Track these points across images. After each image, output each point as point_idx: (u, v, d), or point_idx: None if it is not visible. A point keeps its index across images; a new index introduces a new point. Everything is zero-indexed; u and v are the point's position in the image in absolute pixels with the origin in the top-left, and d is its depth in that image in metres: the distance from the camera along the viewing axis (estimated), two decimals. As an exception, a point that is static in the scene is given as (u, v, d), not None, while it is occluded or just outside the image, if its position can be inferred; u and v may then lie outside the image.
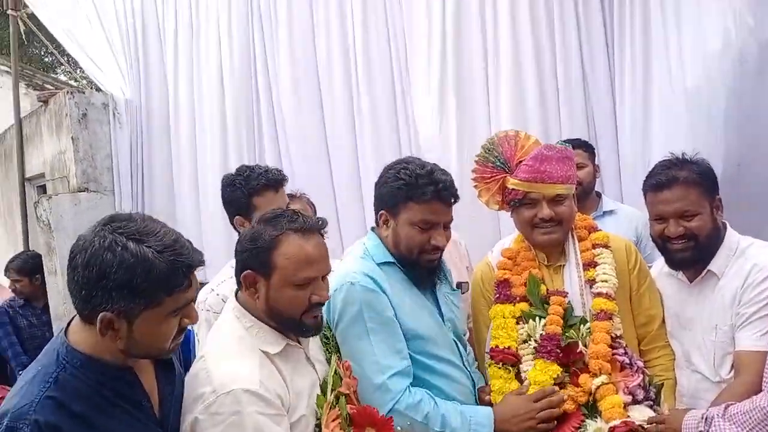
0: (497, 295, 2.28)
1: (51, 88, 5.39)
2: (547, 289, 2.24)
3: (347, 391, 1.91)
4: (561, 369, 2.07)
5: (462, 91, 3.97)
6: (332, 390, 1.86)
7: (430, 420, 1.99)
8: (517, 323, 2.21)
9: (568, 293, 2.21)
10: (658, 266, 2.39)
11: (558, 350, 2.09)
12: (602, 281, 2.19)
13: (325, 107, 4.35)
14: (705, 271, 2.14)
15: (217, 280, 2.60)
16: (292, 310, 1.78)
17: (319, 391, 1.85)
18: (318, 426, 1.80)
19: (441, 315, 2.22)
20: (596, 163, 3.45)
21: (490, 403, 2.13)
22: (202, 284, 3.94)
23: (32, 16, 5.74)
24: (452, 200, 2.12)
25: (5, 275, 4.96)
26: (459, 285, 2.49)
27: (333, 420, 1.80)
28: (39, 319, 4.86)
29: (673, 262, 2.19)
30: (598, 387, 2.00)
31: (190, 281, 1.48)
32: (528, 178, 2.19)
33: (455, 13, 3.99)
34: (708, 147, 3.27)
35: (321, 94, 4.35)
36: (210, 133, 4.64)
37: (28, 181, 6.19)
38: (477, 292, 2.41)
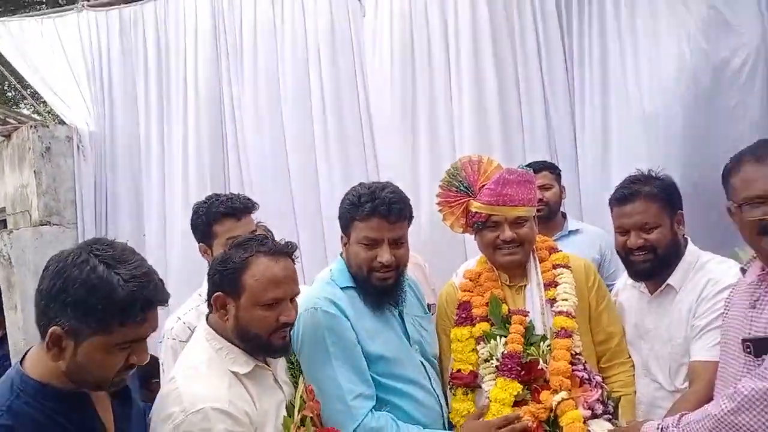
0: (457, 318, 2.32)
1: (14, 122, 5.29)
2: (509, 309, 2.27)
3: (311, 414, 1.94)
4: (522, 386, 2.09)
5: (426, 118, 4.04)
6: (299, 411, 1.89)
7: None
8: (479, 343, 2.23)
9: (529, 312, 2.24)
10: (623, 279, 2.48)
11: (519, 368, 2.10)
12: (563, 300, 2.23)
13: (287, 137, 4.39)
14: (664, 284, 2.22)
15: (184, 309, 2.59)
16: (260, 331, 1.82)
17: (285, 412, 1.88)
18: None
19: (408, 337, 2.23)
20: (561, 184, 3.51)
21: None
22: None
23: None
24: (395, 217, 2.11)
25: None
26: (429, 306, 2.51)
27: None
28: None
29: (634, 273, 2.28)
30: (559, 403, 2.03)
31: (146, 317, 1.47)
32: (490, 202, 2.24)
33: (418, 40, 4.08)
34: (665, 168, 3.34)
35: (284, 125, 4.40)
36: (178, 164, 4.64)
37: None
38: (441, 312, 2.44)
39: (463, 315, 2.31)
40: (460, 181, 2.32)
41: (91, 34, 4.94)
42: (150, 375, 3.87)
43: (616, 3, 3.77)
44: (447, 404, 2.26)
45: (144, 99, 4.82)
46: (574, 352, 2.14)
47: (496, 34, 3.99)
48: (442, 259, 3.39)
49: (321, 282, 2.25)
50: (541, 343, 2.17)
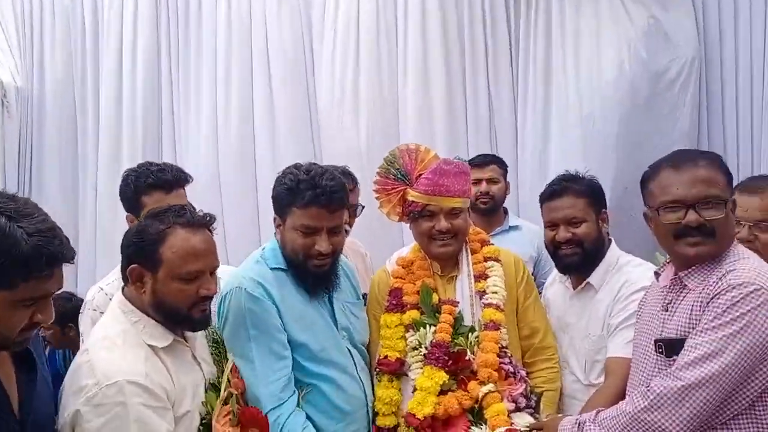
0: (387, 304, 2.32)
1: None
2: (439, 299, 2.29)
3: (236, 392, 1.93)
4: (448, 376, 2.11)
5: (370, 103, 4.03)
6: (224, 389, 1.88)
7: None
8: (408, 331, 2.24)
9: (459, 303, 2.27)
10: (553, 274, 2.59)
11: (446, 357, 2.13)
12: (492, 293, 2.27)
13: (227, 106, 4.27)
14: (585, 282, 2.31)
15: (107, 280, 2.51)
16: (179, 304, 1.78)
17: (203, 390, 1.86)
18: (203, 423, 1.81)
19: (336, 323, 2.22)
20: (507, 180, 3.56)
21: None
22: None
23: None
24: (336, 206, 2.09)
25: None
26: (365, 296, 2.50)
27: (224, 416, 1.84)
28: None
29: (562, 267, 2.37)
30: (486, 394, 2.06)
31: (52, 273, 1.42)
32: (427, 191, 2.25)
33: (366, 26, 4.05)
34: (600, 170, 3.44)
35: (224, 92, 4.29)
36: (111, 127, 4.45)
37: None
38: (373, 298, 2.44)
39: (394, 302, 2.31)
40: (398, 169, 2.32)
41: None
42: (68, 319, 3.70)
43: (562, 7, 3.86)
44: (373, 392, 2.26)
45: (80, 55, 4.58)
46: (501, 345, 2.18)
47: (446, 25, 4.02)
48: (381, 247, 3.38)
49: (251, 261, 2.21)
50: (470, 334, 2.20)
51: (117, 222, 3.92)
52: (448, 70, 3.99)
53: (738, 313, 1.64)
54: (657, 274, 1.99)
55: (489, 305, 2.24)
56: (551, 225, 2.34)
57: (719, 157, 1.89)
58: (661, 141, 3.59)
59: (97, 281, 2.61)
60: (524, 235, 3.42)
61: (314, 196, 2.03)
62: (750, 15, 3.72)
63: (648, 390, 1.72)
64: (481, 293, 2.27)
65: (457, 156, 2.42)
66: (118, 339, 1.74)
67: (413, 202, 2.27)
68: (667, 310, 1.86)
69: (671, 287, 1.87)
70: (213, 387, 1.89)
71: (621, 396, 1.97)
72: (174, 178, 2.48)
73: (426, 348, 2.18)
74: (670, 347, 1.77)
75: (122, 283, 1.90)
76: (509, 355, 2.20)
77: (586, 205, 2.30)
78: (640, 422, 1.71)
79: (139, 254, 1.78)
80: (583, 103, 3.78)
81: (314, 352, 2.11)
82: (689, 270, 1.81)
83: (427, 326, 2.22)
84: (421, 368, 2.17)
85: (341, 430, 2.12)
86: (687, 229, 1.76)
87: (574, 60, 3.80)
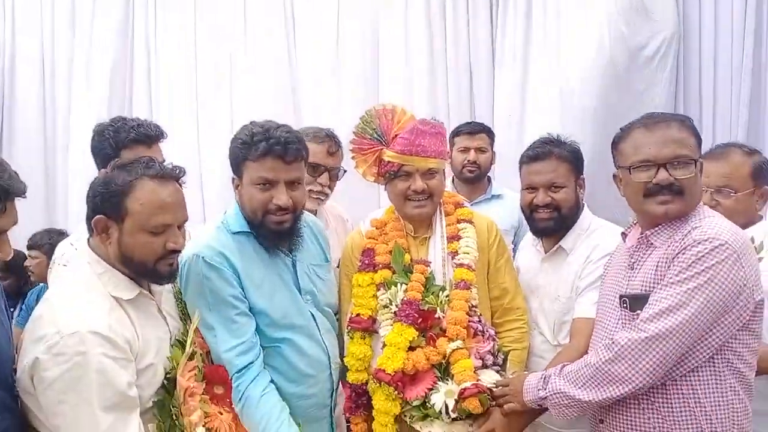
0: (360, 264, 2.33)
1: None
2: (412, 259, 2.30)
3: (201, 351, 1.93)
4: (417, 333, 2.13)
5: (352, 65, 4.03)
6: (191, 344, 1.87)
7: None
8: (379, 289, 2.25)
9: (431, 263, 2.28)
10: (526, 238, 2.62)
11: (417, 315, 2.14)
12: (464, 253, 2.28)
13: (203, 67, 4.23)
14: (557, 246, 2.33)
15: (77, 235, 2.46)
16: (145, 257, 1.75)
17: (168, 345, 1.85)
18: (168, 377, 1.79)
19: (298, 287, 2.19)
20: (493, 150, 3.56)
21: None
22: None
23: None
24: (291, 157, 2.02)
25: None
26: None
27: (190, 371, 1.83)
28: None
29: (537, 230, 2.39)
30: (453, 351, 2.08)
31: (5, 208, 1.41)
32: (403, 151, 2.24)
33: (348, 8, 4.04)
34: (577, 142, 3.50)
35: (196, 52, 4.24)
36: (83, 85, 4.38)
37: None
38: (347, 258, 2.44)
39: (366, 261, 2.32)
40: (374, 129, 2.31)
41: None
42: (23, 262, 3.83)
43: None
44: (342, 352, 2.28)
45: (50, 14, 4.48)
46: (471, 304, 2.20)
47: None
48: (356, 207, 3.38)
49: (212, 227, 2.17)
50: (441, 293, 2.21)
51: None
52: (430, 41, 3.98)
53: (702, 268, 1.67)
54: (624, 235, 2.02)
55: (460, 265, 2.25)
56: (530, 188, 2.34)
57: (690, 119, 1.92)
58: (637, 116, 3.60)
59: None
60: (506, 203, 3.43)
61: (269, 147, 1.98)
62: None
63: (612, 342, 1.76)
64: (453, 254, 2.29)
65: (433, 118, 2.39)
66: (82, 289, 1.71)
67: (389, 162, 2.27)
68: (632, 269, 1.89)
69: (638, 246, 1.90)
70: (179, 343, 1.88)
71: (584, 354, 1.99)
72: (154, 133, 2.44)
73: (397, 306, 2.20)
74: (634, 302, 1.81)
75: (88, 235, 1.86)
76: (479, 314, 2.22)
77: (568, 170, 2.30)
78: (604, 373, 1.75)
79: (105, 205, 1.74)
80: (562, 77, 3.80)
81: (275, 318, 2.09)
82: (656, 228, 1.85)
83: (399, 285, 2.23)
84: (391, 325, 2.18)
85: (303, 393, 2.12)
86: (657, 187, 1.79)
87: (555, 30, 3.82)
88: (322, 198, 2.79)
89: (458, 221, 2.38)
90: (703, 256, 1.68)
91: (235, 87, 4.19)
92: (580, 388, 1.79)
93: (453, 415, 2.00)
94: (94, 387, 1.58)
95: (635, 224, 1.99)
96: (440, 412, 2.01)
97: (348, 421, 2.34)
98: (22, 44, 4.51)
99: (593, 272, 2.21)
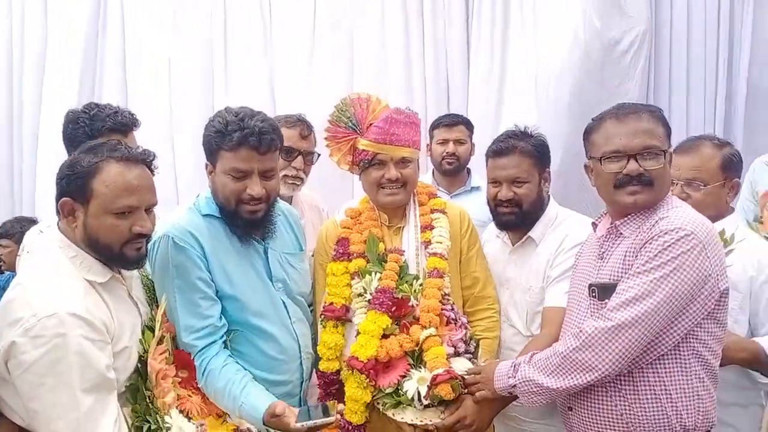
0: (335, 253, 2.33)
1: None
2: (386, 248, 2.31)
3: (168, 334, 1.94)
4: (391, 321, 2.14)
5: (328, 52, 4.02)
6: (159, 328, 1.88)
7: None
8: (353, 278, 2.26)
9: (404, 252, 2.29)
10: (489, 230, 2.59)
11: (390, 303, 2.15)
12: (437, 242, 2.29)
13: (173, 56, 4.19)
14: (525, 237, 2.35)
15: (46, 223, 2.42)
16: (111, 240, 1.74)
17: (140, 329, 1.84)
18: (141, 360, 1.80)
19: (270, 274, 2.18)
20: (473, 141, 3.57)
21: None
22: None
23: None
24: (265, 148, 2.00)
25: None
26: None
27: (160, 353, 1.84)
28: None
29: (500, 224, 2.39)
30: (426, 338, 2.10)
31: None
32: (378, 140, 2.25)
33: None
34: (552, 136, 3.48)
35: (170, 39, 4.20)
36: (54, 71, 4.31)
37: None
38: (321, 247, 2.44)
39: (341, 251, 2.32)
40: (349, 118, 2.31)
41: None
42: None
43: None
44: (315, 341, 2.28)
45: (19, 9, 4.40)
46: (444, 293, 2.22)
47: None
48: (330, 197, 3.38)
49: (184, 209, 2.16)
50: (414, 281, 2.23)
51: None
52: (405, 28, 3.98)
53: (668, 257, 1.71)
54: (594, 225, 2.05)
55: (434, 254, 2.27)
56: (494, 182, 2.34)
57: (660, 109, 1.94)
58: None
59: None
60: (485, 195, 3.43)
61: (243, 137, 1.96)
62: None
63: (580, 331, 1.79)
64: (427, 243, 2.30)
65: (408, 107, 2.40)
66: (54, 272, 1.70)
67: (363, 150, 2.27)
68: (602, 258, 1.92)
69: (607, 236, 1.93)
70: (148, 328, 1.88)
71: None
72: (130, 121, 2.39)
73: (371, 294, 2.20)
74: (603, 291, 1.83)
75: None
76: (451, 302, 2.24)
77: (531, 165, 2.29)
78: (571, 361, 1.78)
79: (71, 187, 1.72)
80: (537, 70, 3.83)
81: (243, 303, 2.09)
82: (625, 219, 1.88)
83: (373, 274, 2.24)
84: (365, 314, 2.18)
85: (273, 379, 2.11)
86: (627, 178, 1.82)
87: (531, 28, 3.85)
88: (297, 183, 2.78)
89: (432, 211, 2.39)
90: (669, 246, 1.71)
91: (210, 72, 4.15)
92: (548, 375, 1.82)
93: (425, 402, 2.02)
94: (75, 369, 1.57)
95: (605, 214, 2.02)
96: (412, 399, 2.02)
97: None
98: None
99: (564, 262, 2.23)
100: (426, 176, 3.51)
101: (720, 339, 1.82)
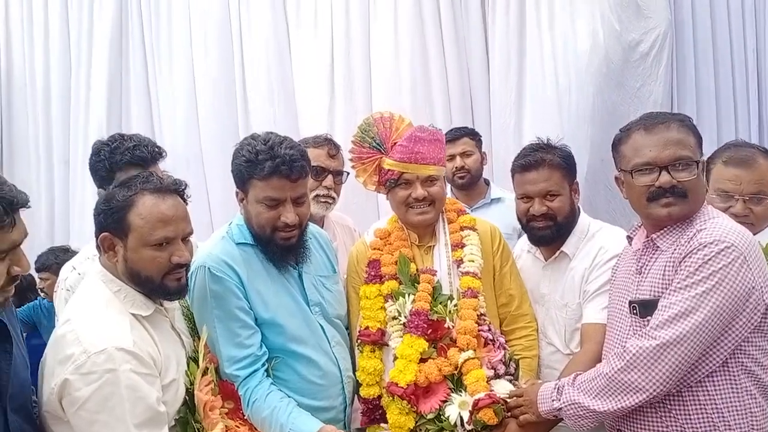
0: (366, 275, 2.32)
1: None
2: (417, 268, 2.29)
3: (212, 365, 1.96)
4: (428, 344, 2.12)
5: (345, 74, 4.01)
6: (203, 359, 1.90)
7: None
8: (387, 301, 2.24)
9: (437, 272, 2.27)
10: (520, 245, 2.55)
11: (426, 326, 2.13)
12: (469, 261, 2.26)
13: (198, 80, 4.20)
14: (558, 251, 2.31)
15: (80, 258, 2.45)
16: (151, 272, 1.76)
17: (184, 360, 1.87)
18: (188, 393, 1.82)
19: (306, 299, 2.19)
20: (483, 150, 3.53)
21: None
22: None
23: None
24: (297, 175, 2.02)
25: None
26: None
27: (206, 385, 1.86)
28: None
29: (535, 240, 2.35)
30: (465, 361, 2.07)
31: (14, 221, 1.41)
32: (403, 159, 2.24)
33: (346, 4, 4.02)
34: (575, 142, 3.46)
35: (194, 65, 4.21)
36: (81, 105, 4.35)
37: None
38: (352, 270, 2.43)
39: (373, 273, 2.31)
40: (372, 138, 2.31)
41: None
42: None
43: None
44: (353, 364, 2.26)
45: (43, 30, 4.45)
46: (479, 313, 2.19)
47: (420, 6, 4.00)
48: (355, 217, 3.37)
49: (217, 238, 2.17)
50: (448, 302, 2.20)
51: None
52: (422, 42, 3.96)
53: (709, 272, 1.67)
54: (630, 238, 2.01)
55: (466, 273, 2.24)
56: (525, 197, 2.30)
57: (689, 118, 1.90)
58: (635, 113, 3.59)
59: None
60: (507, 207, 3.34)
61: (274, 167, 1.98)
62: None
63: (624, 350, 1.75)
64: (459, 262, 2.27)
65: (431, 124, 2.39)
66: (101, 307, 1.73)
67: (389, 170, 2.27)
68: (640, 273, 1.88)
69: (644, 250, 1.89)
70: (192, 360, 1.90)
71: (597, 361, 1.99)
72: (150, 155, 2.41)
73: (405, 317, 2.18)
74: (644, 308, 1.80)
75: (95, 262, 1.88)
76: (488, 322, 2.21)
77: (561, 177, 2.25)
78: (617, 383, 1.74)
79: (109, 222, 1.76)
80: (558, 75, 3.79)
81: (282, 329, 2.10)
82: (661, 231, 1.84)
83: (406, 296, 2.21)
84: (401, 337, 2.16)
85: (316, 406, 2.11)
86: (660, 190, 1.78)
87: (549, 31, 3.80)
88: (329, 202, 2.79)
89: (461, 228, 2.37)
90: (709, 259, 1.67)
91: (234, 95, 4.16)
92: (594, 398, 1.78)
93: (468, 427, 1.99)
94: (126, 404, 1.59)
95: (640, 227, 1.98)
96: (455, 424, 1.99)
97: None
98: (18, 60, 4.51)
99: (600, 276, 2.19)
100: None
101: (769, 352, 1.77)
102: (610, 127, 3.60)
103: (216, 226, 3.83)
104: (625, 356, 1.74)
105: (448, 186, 3.59)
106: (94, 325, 1.66)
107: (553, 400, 1.88)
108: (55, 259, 3.80)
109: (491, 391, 2.03)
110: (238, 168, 2.07)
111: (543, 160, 2.25)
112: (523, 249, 2.52)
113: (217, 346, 2.02)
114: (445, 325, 2.15)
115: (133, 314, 1.74)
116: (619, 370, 1.74)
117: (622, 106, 3.71)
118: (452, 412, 2.00)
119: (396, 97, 3.92)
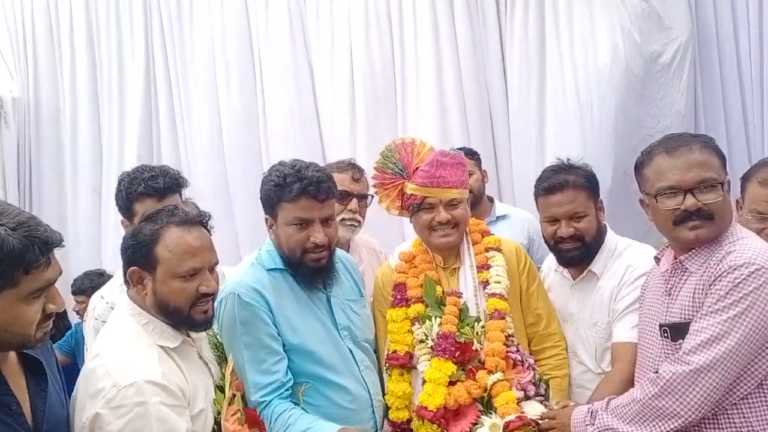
0: (392, 299, 2.33)
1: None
2: (443, 291, 2.29)
3: (239, 392, 1.97)
4: (456, 367, 2.12)
5: (368, 100, 4.05)
6: (229, 388, 1.91)
7: None
8: (414, 324, 2.25)
9: (463, 294, 2.27)
10: (547, 264, 2.55)
11: (454, 348, 2.13)
12: (495, 282, 2.26)
13: (222, 109, 4.28)
14: (586, 270, 2.30)
15: (108, 288, 2.51)
16: (180, 303, 1.80)
17: (212, 389, 1.89)
18: (216, 422, 1.83)
19: (335, 323, 2.21)
20: (483, 168, 3.51)
21: None
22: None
23: None
24: (324, 196, 2.09)
25: None
26: None
27: (232, 414, 1.87)
28: None
29: (565, 262, 2.34)
30: (494, 383, 2.07)
31: (49, 260, 1.44)
32: (425, 183, 2.26)
33: (365, 28, 4.06)
34: (598, 156, 3.48)
35: (218, 94, 4.29)
36: (114, 142, 4.48)
37: None
38: (378, 293, 2.44)
39: (399, 296, 2.32)
40: (395, 163, 2.33)
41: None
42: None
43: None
44: (383, 388, 2.27)
45: (70, 70, 4.59)
46: (507, 334, 2.18)
47: (436, 15, 4.01)
48: (380, 238, 3.39)
49: (247, 264, 2.22)
50: (476, 324, 2.20)
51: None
52: (438, 60, 3.98)
53: (740, 295, 1.65)
54: (657, 259, 2.00)
55: (493, 295, 2.24)
56: (551, 220, 2.29)
57: (711, 139, 1.88)
58: (657, 125, 3.62)
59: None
60: (513, 223, 3.37)
61: (303, 188, 2.05)
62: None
63: (657, 376, 1.74)
64: (485, 283, 2.27)
65: (452, 147, 2.40)
66: (130, 340, 1.76)
67: (412, 195, 2.28)
68: (669, 295, 1.86)
69: (672, 272, 1.88)
70: (219, 388, 1.92)
71: (629, 381, 1.99)
72: (166, 185, 2.42)
73: (433, 340, 2.19)
74: (675, 331, 1.78)
75: (123, 291, 1.92)
76: (516, 343, 2.20)
77: (586, 198, 2.25)
78: (652, 409, 1.73)
79: (137, 256, 1.80)
80: (579, 88, 3.78)
81: (311, 354, 2.12)
82: (689, 253, 1.82)
83: (433, 318, 2.22)
84: (429, 360, 2.17)
85: None
86: (686, 213, 1.77)
87: (568, 45, 3.80)
88: (355, 225, 2.81)
89: (486, 249, 2.37)
90: (740, 282, 1.65)
91: (256, 124, 4.23)
92: (629, 424, 1.76)
93: (500, 450, 1.98)
94: None
95: (667, 247, 1.96)
96: (487, 447, 1.99)
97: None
98: (48, 93, 4.64)
99: (629, 294, 2.18)
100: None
101: (804, 373, 1.74)
102: (633, 139, 3.61)
103: (242, 250, 3.93)
104: (658, 382, 1.72)
105: None
106: (124, 358, 1.70)
107: (586, 425, 1.86)
108: (90, 282, 3.90)
109: (522, 413, 2.02)
110: (267, 193, 2.14)
111: (567, 182, 2.25)
112: (550, 268, 2.52)
113: (243, 372, 2.05)
114: (473, 348, 2.15)
115: (161, 346, 1.78)
116: (653, 396, 1.72)
117: (644, 117, 3.68)
118: (484, 435, 2.00)
119: (415, 119, 3.95)
